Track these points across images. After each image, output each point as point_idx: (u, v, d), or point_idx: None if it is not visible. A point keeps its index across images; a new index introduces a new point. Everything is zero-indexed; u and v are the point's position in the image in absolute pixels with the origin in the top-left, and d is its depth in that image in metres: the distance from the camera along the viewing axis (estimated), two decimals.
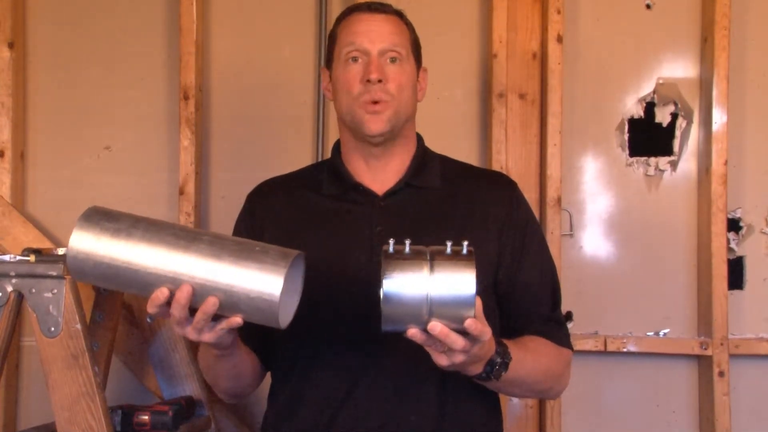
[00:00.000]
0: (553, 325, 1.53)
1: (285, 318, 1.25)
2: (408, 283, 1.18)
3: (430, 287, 1.17)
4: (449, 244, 1.21)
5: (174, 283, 1.21)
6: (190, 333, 1.25)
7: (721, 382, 2.18)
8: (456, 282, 1.18)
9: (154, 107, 2.38)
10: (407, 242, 1.21)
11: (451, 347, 1.20)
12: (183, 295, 1.20)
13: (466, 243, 1.21)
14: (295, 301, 1.30)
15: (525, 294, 1.52)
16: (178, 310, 1.22)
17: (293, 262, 1.22)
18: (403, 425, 1.44)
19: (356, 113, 1.48)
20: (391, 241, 1.21)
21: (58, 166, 2.39)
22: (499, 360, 1.32)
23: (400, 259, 1.19)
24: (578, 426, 2.30)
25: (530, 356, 1.42)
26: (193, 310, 1.23)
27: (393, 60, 1.47)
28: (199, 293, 1.21)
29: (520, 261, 1.51)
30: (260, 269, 1.20)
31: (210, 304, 1.20)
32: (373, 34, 1.47)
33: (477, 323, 1.19)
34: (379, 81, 1.45)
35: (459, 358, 1.23)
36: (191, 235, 1.24)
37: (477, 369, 1.31)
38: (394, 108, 1.47)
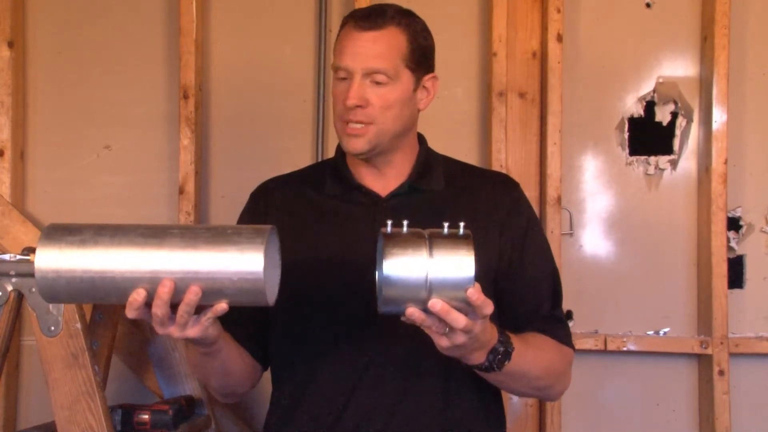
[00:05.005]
0: (554, 323, 1.53)
1: (271, 294, 1.24)
2: (408, 264, 1.17)
3: (429, 268, 1.16)
4: (446, 225, 1.20)
5: (152, 282, 1.18)
6: (174, 331, 1.22)
7: (721, 381, 2.18)
8: (455, 262, 1.17)
9: (154, 107, 2.38)
10: (405, 223, 1.21)
11: (453, 325, 1.18)
12: (165, 291, 1.17)
13: (462, 224, 1.20)
14: (277, 275, 1.28)
15: (525, 293, 1.51)
16: (160, 308, 1.18)
17: (269, 237, 1.21)
18: (407, 425, 1.44)
19: (338, 131, 1.49)
20: (389, 222, 1.21)
21: (58, 166, 2.39)
22: (501, 349, 1.32)
23: (398, 239, 1.19)
24: (578, 425, 2.30)
25: (532, 350, 1.41)
26: (174, 307, 1.20)
27: (378, 83, 1.44)
28: (179, 287, 1.18)
29: (521, 260, 1.51)
30: (238, 250, 1.18)
31: (192, 294, 1.17)
32: (358, 57, 1.44)
33: (479, 292, 1.17)
34: (358, 106, 1.43)
35: (460, 339, 1.21)
36: (160, 231, 1.21)
37: (479, 358, 1.31)
38: (375, 131, 1.45)
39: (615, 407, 2.32)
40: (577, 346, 2.20)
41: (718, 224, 2.20)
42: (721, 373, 2.18)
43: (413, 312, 1.18)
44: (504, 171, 2.24)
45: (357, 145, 1.46)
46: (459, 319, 1.18)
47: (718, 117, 2.21)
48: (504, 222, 1.51)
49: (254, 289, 1.19)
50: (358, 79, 1.44)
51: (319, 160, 2.29)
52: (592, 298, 2.31)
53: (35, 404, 2.34)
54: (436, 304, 1.17)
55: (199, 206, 2.33)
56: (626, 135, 2.32)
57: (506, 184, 1.60)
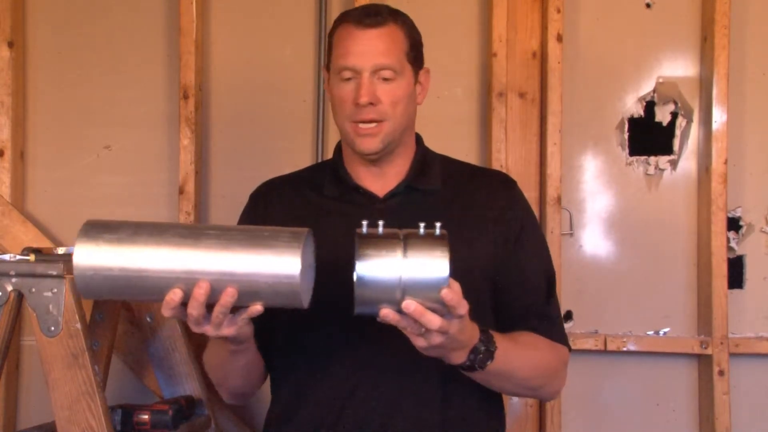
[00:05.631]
0: (547, 321, 1.52)
1: (306, 297, 1.25)
2: (381, 265, 1.17)
3: (403, 269, 1.17)
4: (422, 225, 1.21)
5: (188, 282, 1.19)
6: (209, 330, 1.24)
7: (721, 381, 2.18)
8: (429, 263, 1.17)
9: (154, 107, 2.38)
10: (380, 223, 1.21)
11: (427, 326, 1.19)
12: (201, 292, 1.19)
13: (439, 225, 1.21)
14: (311, 278, 1.29)
15: (519, 290, 1.51)
16: (196, 309, 1.20)
17: (305, 241, 1.22)
18: (406, 425, 1.44)
19: (348, 133, 1.48)
20: (365, 223, 1.21)
21: (58, 166, 2.40)
22: (483, 348, 1.32)
23: (373, 240, 1.19)
24: (578, 425, 2.30)
25: (520, 349, 1.41)
26: (209, 306, 1.21)
27: (385, 79, 1.45)
28: (215, 288, 1.19)
29: (515, 256, 1.50)
30: (275, 253, 1.19)
31: (228, 295, 1.19)
32: (364, 56, 1.44)
33: (453, 293, 1.17)
34: (371, 104, 1.44)
35: (437, 339, 1.22)
36: (196, 231, 1.23)
37: (460, 357, 1.31)
38: (388, 128, 1.46)
39: (615, 407, 2.32)
40: (577, 346, 2.22)
41: (718, 224, 2.20)
42: (721, 373, 2.18)
43: (387, 313, 1.19)
44: (504, 171, 2.24)
45: (371, 144, 1.47)
46: (433, 321, 1.19)
47: (718, 117, 2.21)
48: (499, 219, 1.51)
49: (290, 292, 1.20)
50: (367, 76, 1.44)
51: (319, 160, 2.30)
52: (592, 298, 2.31)
53: (35, 404, 2.34)
54: (409, 305, 1.17)
55: (199, 206, 2.33)
56: (626, 135, 2.32)
57: (503, 182, 1.60)
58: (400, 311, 1.18)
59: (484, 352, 1.32)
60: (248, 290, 1.20)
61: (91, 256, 1.21)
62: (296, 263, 1.18)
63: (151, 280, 1.20)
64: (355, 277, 1.18)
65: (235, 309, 1.23)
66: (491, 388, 1.49)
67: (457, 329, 1.23)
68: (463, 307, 1.20)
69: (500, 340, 1.35)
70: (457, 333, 1.24)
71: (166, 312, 1.22)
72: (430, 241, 1.19)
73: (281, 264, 1.19)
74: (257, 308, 1.22)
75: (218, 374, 1.55)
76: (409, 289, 1.17)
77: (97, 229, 1.23)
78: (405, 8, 1.58)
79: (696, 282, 2.28)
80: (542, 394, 1.58)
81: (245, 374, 1.50)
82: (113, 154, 2.39)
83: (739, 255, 2.30)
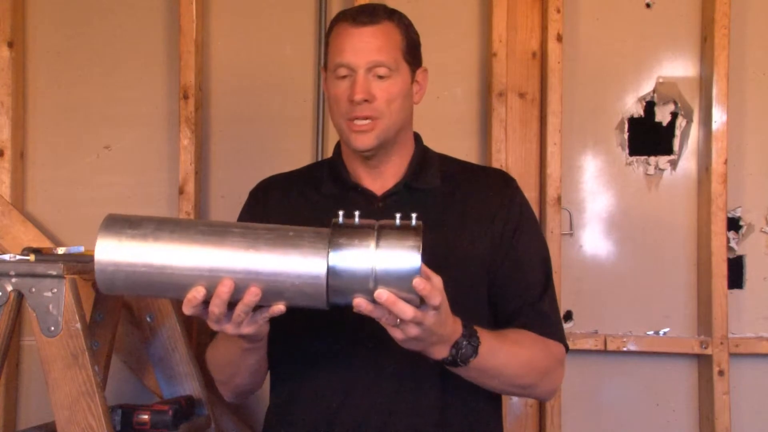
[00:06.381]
0: (541, 318, 1.50)
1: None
2: (353, 255, 1.18)
3: (375, 259, 1.17)
4: (398, 216, 1.21)
5: (212, 280, 1.19)
6: (229, 328, 1.24)
7: (720, 381, 2.18)
8: (401, 253, 1.17)
9: (154, 107, 2.38)
10: (356, 213, 1.22)
11: (401, 317, 1.19)
12: (224, 291, 1.18)
13: (414, 215, 1.21)
14: None
15: (513, 283, 1.50)
16: (218, 307, 1.20)
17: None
18: (404, 425, 1.43)
19: (344, 131, 1.49)
20: (341, 213, 1.22)
21: (58, 166, 2.40)
22: (465, 343, 1.31)
23: (347, 230, 1.20)
24: (578, 425, 2.30)
25: (506, 346, 1.40)
26: (230, 304, 1.21)
27: (380, 77, 1.45)
28: (238, 286, 1.19)
29: (510, 252, 1.50)
30: (301, 254, 1.19)
31: (252, 294, 1.19)
32: (359, 53, 1.45)
33: (424, 282, 1.17)
34: (365, 101, 1.44)
35: (413, 331, 1.22)
36: (220, 228, 1.22)
37: (442, 352, 1.30)
38: (383, 125, 1.46)
39: (615, 407, 2.32)
40: (577, 346, 2.23)
41: (718, 224, 2.20)
42: (721, 373, 2.18)
43: (360, 302, 1.19)
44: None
45: (365, 141, 1.47)
46: (406, 311, 1.18)
47: (718, 117, 2.21)
48: (497, 215, 1.51)
49: (315, 293, 1.20)
50: (362, 73, 1.45)
51: (320, 159, 2.30)
52: (592, 298, 2.31)
53: (35, 404, 2.34)
54: (381, 294, 1.17)
55: (199, 206, 2.33)
56: (626, 135, 2.32)
57: (502, 179, 1.60)
58: (374, 301, 1.18)
59: (466, 347, 1.31)
60: (272, 290, 1.19)
61: (114, 251, 1.20)
62: (322, 264, 1.18)
63: (174, 277, 1.19)
64: (328, 268, 1.18)
65: (256, 307, 1.23)
66: (481, 386, 1.48)
67: (433, 321, 1.22)
68: (436, 298, 1.19)
69: (485, 336, 1.34)
70: (435, 325, 1.23)
71: (187, 310, 1.21)
72: (403, 231, 1.19)
73: (307, 264, 1.19)
74: (280, 308, 1.22)
75: (225, 372, 1.54)
76: (381, 279, 1.17)
77: (119, 224, 1.22)
78: (405, 8, 1.58)
79: (696, 282, 2.28)
80: (535, 392, 1.56)
81: (253, 372, 1.50)
82: (113, 154, 2.39)
83: (739, 255, 2.30)
